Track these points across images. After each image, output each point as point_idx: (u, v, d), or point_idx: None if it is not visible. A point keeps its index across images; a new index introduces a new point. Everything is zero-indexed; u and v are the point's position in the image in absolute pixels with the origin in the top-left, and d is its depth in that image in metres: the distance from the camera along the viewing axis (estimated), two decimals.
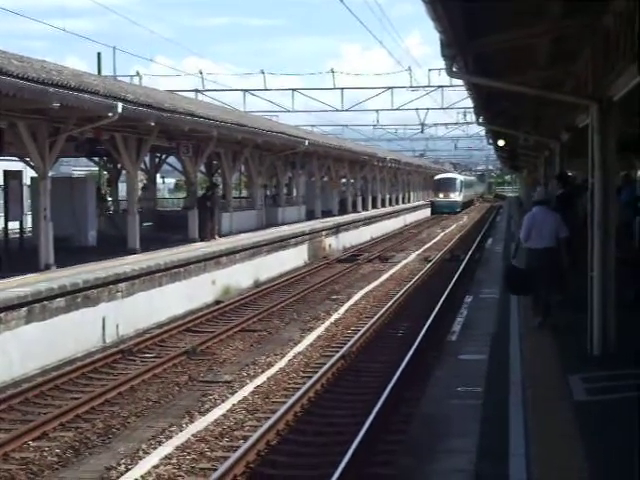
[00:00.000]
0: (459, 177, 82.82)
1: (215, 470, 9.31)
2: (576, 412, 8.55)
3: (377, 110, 54.15)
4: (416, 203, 75.08)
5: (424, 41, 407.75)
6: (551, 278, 13.12)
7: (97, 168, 36.83)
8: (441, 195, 76.55)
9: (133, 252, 21.63)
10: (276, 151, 34.35)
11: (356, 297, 22.86)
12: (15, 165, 25.45)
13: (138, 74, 44.69)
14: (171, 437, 10.78)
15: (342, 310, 20.67)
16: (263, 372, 14.26)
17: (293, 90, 46.77)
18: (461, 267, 27.77)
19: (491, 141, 35.81)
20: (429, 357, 14.10)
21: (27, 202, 24.80)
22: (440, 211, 73.58)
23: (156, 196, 35.85)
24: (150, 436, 10.92)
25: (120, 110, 17.83)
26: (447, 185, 76.92)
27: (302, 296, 23.34)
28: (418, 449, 7.95)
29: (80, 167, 56.61)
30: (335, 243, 37.69)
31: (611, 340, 10.68)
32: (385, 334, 17.65)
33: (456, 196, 76.47)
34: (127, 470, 9.63)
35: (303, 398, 12.13)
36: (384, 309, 19.97)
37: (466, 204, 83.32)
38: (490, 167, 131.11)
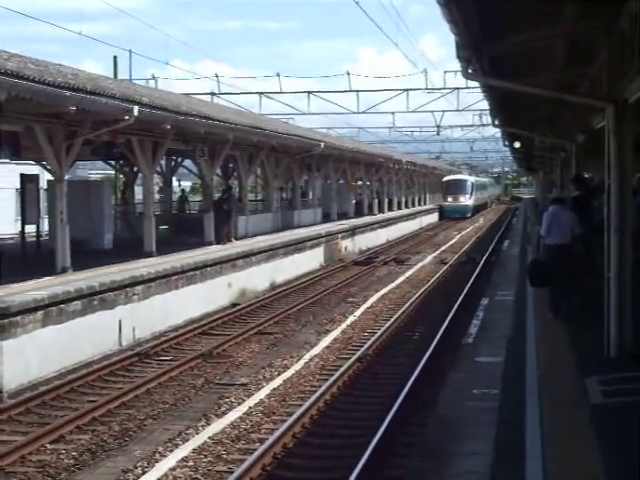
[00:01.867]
0: (470, 179, 75.36)
1: (231, 473, 9.34)
2: (592, 415, 8.50)
3: (393, 112, 54.00)
4: (432, 205, 74.24)
5: (440, 43, 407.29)
6: (568, 277, 13.30)
7: (113, 171, 36.96)
8: (450, 199, 69.88)
9: (149, 255, 21.67)
10: (292, 154, 34.38)
11: (372, 300, 22.83)
12: (32, 169, 25.64)
13: (154, 77, 44.96)
14: (188, 440, 10.81)
15: (358, 312, 20.66)
16: (279, 375, 14.27)
17: (309, 93, 46.87)
18: (477, 269, 27.73)
19: (507, 143, 35.76)
20: (445, 360, 14.07)
21: (44, 205, 24.95)
22: (449, 216, 67.68)
23: (172, 199, 35.95)
24: (167, 439, 10.95)
25: (136, 113, 17.90)
26: (457, 188, 69.95)
27: (318, 299, 23.34)
28: (434, 451, 7.94)
29: (96, 170, 56.83)
30: (351, 245, 37.66)
31: (628, 342, 10.62)
32: (401, 337, 17.63)
33: (466, 199, 69.73)
34: (143, 473, 9.66)
35: (319, 401, 12.14)
36: (400, 311, 19.97)
37: (479, 208, 77.01)
38: (506, 169, 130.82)
